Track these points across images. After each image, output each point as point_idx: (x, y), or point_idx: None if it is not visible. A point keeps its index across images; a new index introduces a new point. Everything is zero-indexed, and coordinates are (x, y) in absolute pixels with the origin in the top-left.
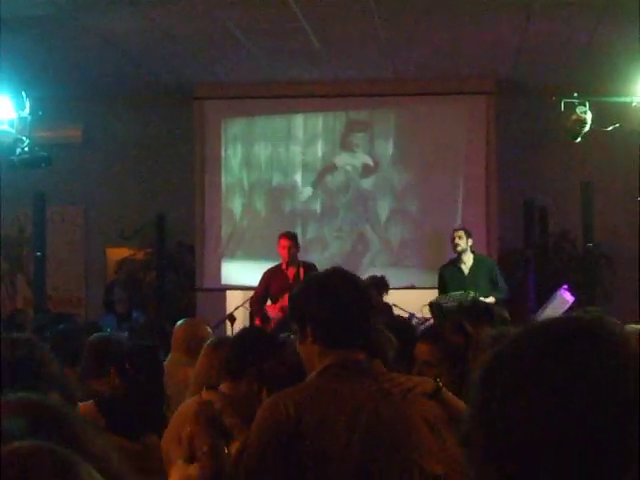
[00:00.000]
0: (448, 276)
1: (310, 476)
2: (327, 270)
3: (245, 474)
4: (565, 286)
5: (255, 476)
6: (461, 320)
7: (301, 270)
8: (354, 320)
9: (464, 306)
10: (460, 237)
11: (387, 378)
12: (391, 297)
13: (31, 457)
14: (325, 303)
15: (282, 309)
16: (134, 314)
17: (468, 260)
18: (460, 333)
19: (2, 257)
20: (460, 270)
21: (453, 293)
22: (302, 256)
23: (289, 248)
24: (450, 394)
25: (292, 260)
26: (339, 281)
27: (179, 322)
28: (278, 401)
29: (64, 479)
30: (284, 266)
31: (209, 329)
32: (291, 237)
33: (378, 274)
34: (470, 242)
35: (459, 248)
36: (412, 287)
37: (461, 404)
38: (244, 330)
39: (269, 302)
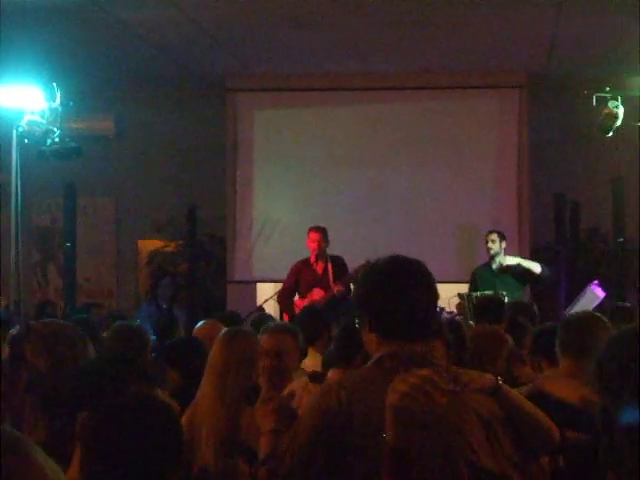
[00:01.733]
0: (479, 276)
1: (354, 467)
2: (387, 257)
3: (290, 459)
4: (596, 281)
5: (299, 462)
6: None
7: (329, 264)
8: (411, 311)
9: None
10: (493, 241)
11: (443, 371)
12: None
13: None
14: (381, 293)
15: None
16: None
17: (502, 262)
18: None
19: (34, 247)
20: (491, 270)
21: (484, 292)
22: (331, 250)
23: (319, 242)
24: (512, 392)
25: (321, 254)
26: (397, 270)
27: (198, 324)
28: (331, 389)
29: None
30: (313, 259)
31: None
32: (321, 231)
33: None
34: (504, 245)
35: (492, 252)
36: (442, 281)
37: (523, 401)
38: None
39: (297, 296)
